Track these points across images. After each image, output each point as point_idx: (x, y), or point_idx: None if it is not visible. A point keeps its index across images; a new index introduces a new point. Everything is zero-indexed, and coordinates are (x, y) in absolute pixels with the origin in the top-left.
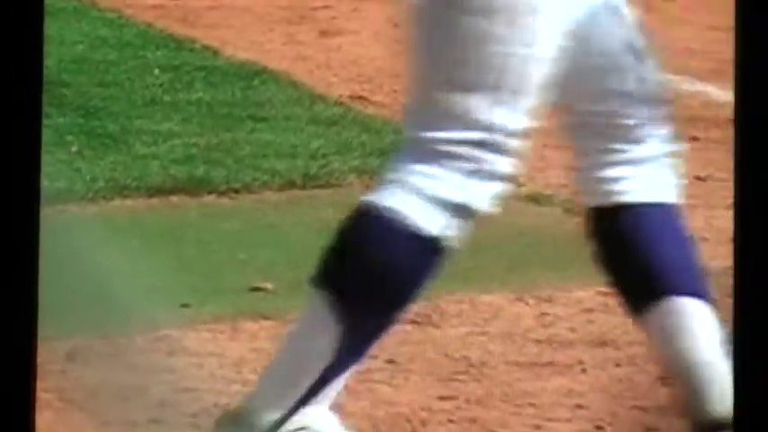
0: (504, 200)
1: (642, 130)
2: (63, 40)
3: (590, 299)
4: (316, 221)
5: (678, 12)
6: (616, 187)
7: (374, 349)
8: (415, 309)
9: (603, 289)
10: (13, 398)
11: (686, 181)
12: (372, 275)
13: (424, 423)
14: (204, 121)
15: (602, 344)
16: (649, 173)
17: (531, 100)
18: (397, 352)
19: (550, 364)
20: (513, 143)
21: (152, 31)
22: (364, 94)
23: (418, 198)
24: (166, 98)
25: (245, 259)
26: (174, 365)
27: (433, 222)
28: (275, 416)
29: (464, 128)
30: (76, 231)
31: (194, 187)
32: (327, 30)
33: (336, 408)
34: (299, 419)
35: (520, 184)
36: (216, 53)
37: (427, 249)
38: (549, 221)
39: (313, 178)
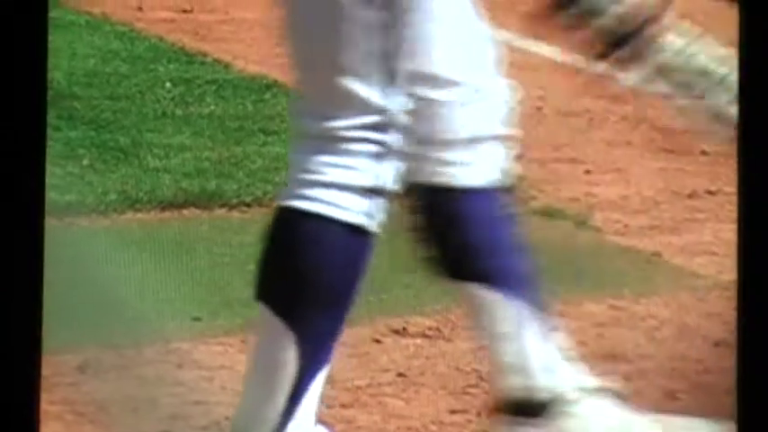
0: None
1: (471, 112)
2: (74, 54)
3: (601, 313)
4: None
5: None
6: (443, 169)
7: (385, 363)
8: (425, 322)
9: (615, 303)
10: (19, 411)
11: (696, 195)
12: (309, 276)
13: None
14: (215, 135)
15: (613, 357)
16: (478, 155)
17: (416, 76)
18: (408, 365)
19: None
20: (405, 119)
21: (163, 45)
22: None
23: (334, 190)
24: (178, 111)
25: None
26: (184, 378)
27: (354, 211)
28: None
29: (361, 113)
30: (87, 244)
31: (206, 201)
32: None
33: (347, 421)
34: None
35: (530, 198)
36: (227, 67)
37: (355, 239)
38: (559, 235)
39: None
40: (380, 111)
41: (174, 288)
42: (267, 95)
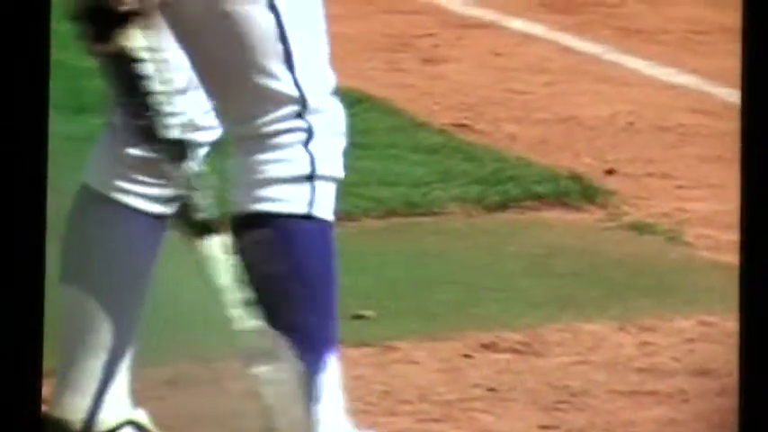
0: (607, 229)
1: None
2: None
3: (692, 328)
4: (417, 249)
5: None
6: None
7: (475, 378)
8: (515, 337)
9: (705, 318)
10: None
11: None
12: (289, 273)
13: None
14: None
15: (705, 373)
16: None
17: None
18: (499, 381)
19: (652, 393)
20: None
21: None
22: (466, 122)
23: (276, 185)
24: None
25: (346, 286)
26: None
27: (299, 202)
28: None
29: (280, 105)
30: (175, 256)
31: None
32: (430, 57)
33: None
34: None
35: (622, 213)
36: None
37: (309, 228)
38: (651, 250)
39: (415, 206)
40: (299, 99)
41: None
42: (358, 109)
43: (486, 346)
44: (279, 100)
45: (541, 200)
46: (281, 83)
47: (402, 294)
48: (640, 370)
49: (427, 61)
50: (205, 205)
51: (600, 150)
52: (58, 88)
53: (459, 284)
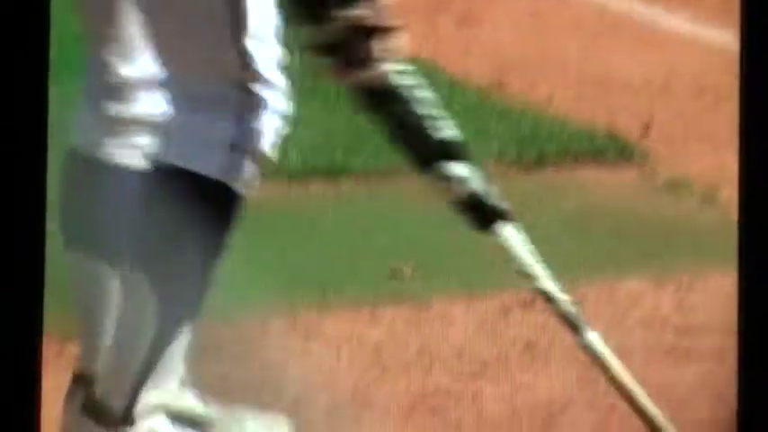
0: (643, 188)
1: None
2: None
3: (729, 285)
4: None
5: None
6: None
7: (513, 335)
8: None
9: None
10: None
11: None
12: (177, 233)
13: (563, 410)
14: (343, 108)
15: None
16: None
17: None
18: (536, 339)
19: (689, 351)
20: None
21: None
22: (502, 81)
23: (204, 147)
24: (306, 84)
25: (383, 246)
26: (311, 350)
27: (218, 167)
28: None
29: (224, 72)
30: None
31: (333, 174)
32: (466, 18)
33: (475, 393)
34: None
35: (658, 174)
36: None
37: (219, 195)
38: (687, 209)
39: None
40: (243, 68)
41: (300, 261)
42: None
43: (523, 304)
44: (218, 62)
45: (578, 159)
46: (226, 49)
47: (439, 253)
48: (677, 328)
49: (463, 22)
50: (491, 193)
51: (636, 110)
52: None
53: (496, 243)
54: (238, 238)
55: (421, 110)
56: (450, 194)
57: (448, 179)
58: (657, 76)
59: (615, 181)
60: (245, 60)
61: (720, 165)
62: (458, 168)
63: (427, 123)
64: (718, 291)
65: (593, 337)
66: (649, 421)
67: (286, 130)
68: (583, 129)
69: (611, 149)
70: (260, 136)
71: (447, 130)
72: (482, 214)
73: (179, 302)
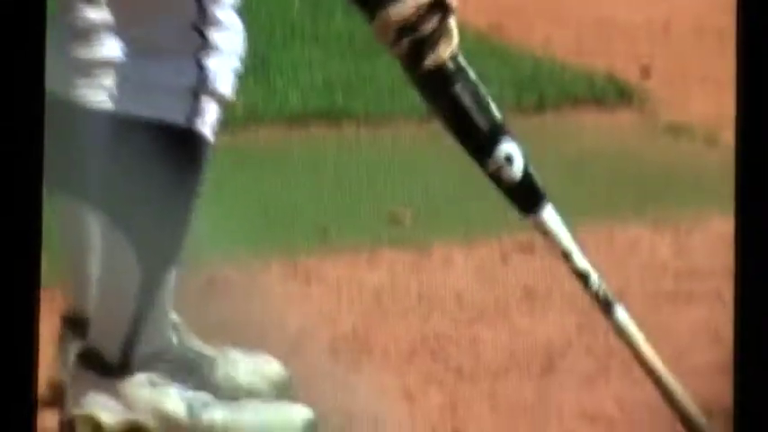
0: (643, 131)
1: None
2: None
3: (729, 229)
4: (454, 152)
5: None
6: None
7: (512, 280)
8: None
9: None
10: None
11: None
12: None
13: (562, 354)
14: (344, 51)
15: None
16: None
17: None
18: (535, 283)
19: (688, 295)
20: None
21: None
22: (501, 25)
23: (164, 93)
24: (307, 28)
25: (383, 190)
26: (311, 294)
27: (180, 112)
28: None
29: (178, 12)
30: (215, 159)
31: (333, 117)
32: None
33: (473, 339)
34: None
35: (660, 116)
36: None
37: (185, 141)
38: (687, 153)
39: None
40: (195, 9)
41: (300, 204)
42: None
43: (522, 249)
44: (174, 6)
45: (577, 102)
46: None
47: (438, 197)
48: (676, 271)
49: None
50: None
51: (636, 52)
52: None
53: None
54: (238, 181)
55: (478, 91)
56: (504, 177)
57: (503, 162)
58: (657, 18)
59: (615, 124)
60: (200, 4)
61: (722, 108)
62: (510, 149)
63: (483, 105)
64: (718, 234)
65: (624, 316)
66: (678, 407)
67: (241, 72)
68: (582, 72)
69: (611, 93)
70: (220, 78)
71: (495, 110)
72: (529, 196)
73: (157, 248)
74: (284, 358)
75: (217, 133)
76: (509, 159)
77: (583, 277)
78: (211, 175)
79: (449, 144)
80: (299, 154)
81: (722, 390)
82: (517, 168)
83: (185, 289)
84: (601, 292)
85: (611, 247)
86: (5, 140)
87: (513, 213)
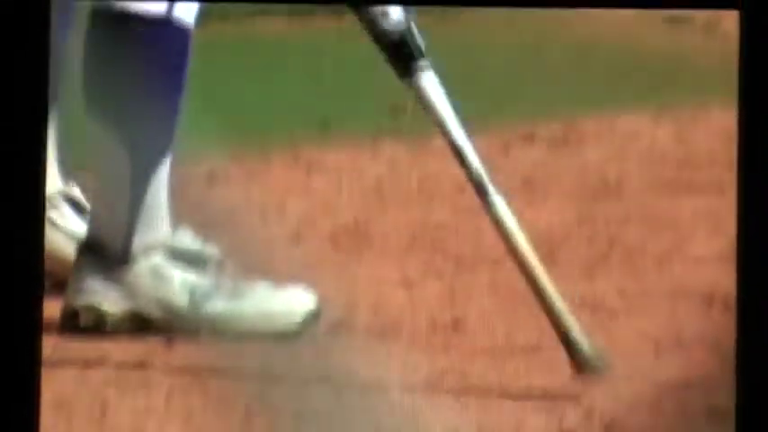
0: (644, 21)
1: None
2: None
3: (728, 119)
4: (456, 42)
5: None
6: None
7: (513, 169)
8: (553, 129)
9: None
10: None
11: None
12: (133, 80)
13: (561, 245)
14: None
15: None
16: None
17: None
18: (535, 173)
19: (689, 184)
20: None
21: None
22: None
23: None
24: None
25: (383, 78)
26: (312, 184)
27: (165, 4)
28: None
29: None
30: (217, 51)
31: (335, 7)
32: None
33: (474, 227)
34: None
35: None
36: None
37: (167, 33)
38: (688, 42)
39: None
40: None
41: (302, 95)
42: None
43: (523, 138)
44: None
45: None
46: None
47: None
48: (677, 161)
49: None
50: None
51: None
52: None
53: (498, 77)
54: (240, 73)
55: None
56: (379, 30)
57: (378, 14)
58: None
59: (616, 15)
60: None
61: None
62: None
63: None
64: (719, 124)
65: (498, 201)
66: (548, 304)
67: None
68: None
69: None
70: None
71: None
72: (407, 57)
73: (146, 138)
74: (284, 246)
75: (219, 26)
76: (385, 14)
77: (458, 154)
78: (214, 67)
79: (449, 34)
80: (301, 45)
81: (723, 278)
82: (394, 24)
83: (187, 181)
84: (474, 173)
85: (612, 136)
86: (6, 140)
87: (515, 103)
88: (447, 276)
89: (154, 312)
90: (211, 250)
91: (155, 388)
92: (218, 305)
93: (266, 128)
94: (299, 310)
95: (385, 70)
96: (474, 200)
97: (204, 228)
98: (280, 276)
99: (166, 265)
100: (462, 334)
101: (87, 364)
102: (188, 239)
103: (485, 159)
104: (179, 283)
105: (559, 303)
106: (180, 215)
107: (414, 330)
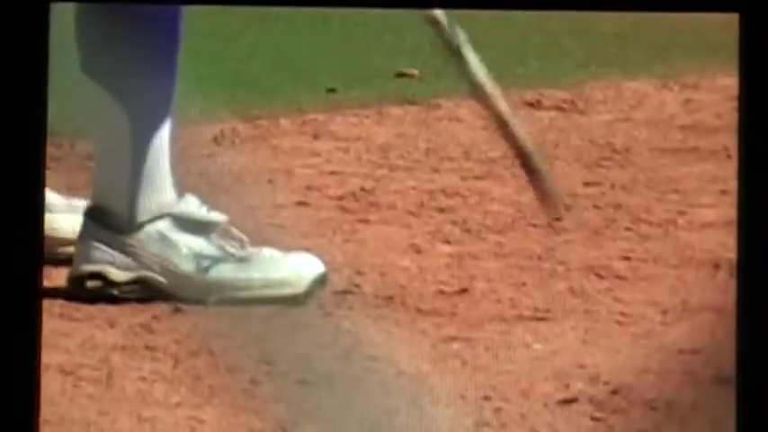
0: None
1: None
2: None
3: (735, 85)
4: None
5: None
6: None
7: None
8: (559, 95)
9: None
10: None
11: None
12: (130, 42)
13: (568, 209)
14: None
15: None
16: None
17: None
18: (543, 138)
19: (695, 150)
20: None
21: None
22: None
23: None
24: None
25: (391, 45)
26: (320, 149)
27: None
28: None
29: None
30: (221, 14)
31: None
32: None
33: (480, 193)
34: None
35: None
36: None
37: None
38: None
39: None
40: None
41: (309, 60)
42: None
43: (530, 104)
44: None
45: None
46: None
47: (446, 53)
48: (683, 127)
49: None
50: None
51: None
52: None
53: (504, 44)
54: (247, 38)
55: None
56: None
57: None
58: None
59: None
60: None
61: None
62: None
63: None
64: (724, 90)
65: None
66: (516, 142)
67: None
68: None
69: None
70: None
71: None
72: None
73: (144, 102)
74: (292, 209)
75: None
76: None
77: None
78: (221, 32)
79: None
80: (308, 9)
81: (727, 243)
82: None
83: (194, 141)
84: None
85: (619, 101)
86: (7, 140)
87: (521, 69)
88: (454, 242)
89: (160, 279)
90: (218, 217)
91: (161, 353)
92: (224, 271)
93: (273, 93)
94: (306, 276)
95: (392, 35)
96: (480, 165)
97: (211, 194)
98: (287, 241)
99: (172, 231)
100: (469, 300)
101: (94, 329)
102: (194, 206)
103: (491, 124)
104: (185, 249)
105: (529, 144)
106: (187, 180)
107: (420, 296)
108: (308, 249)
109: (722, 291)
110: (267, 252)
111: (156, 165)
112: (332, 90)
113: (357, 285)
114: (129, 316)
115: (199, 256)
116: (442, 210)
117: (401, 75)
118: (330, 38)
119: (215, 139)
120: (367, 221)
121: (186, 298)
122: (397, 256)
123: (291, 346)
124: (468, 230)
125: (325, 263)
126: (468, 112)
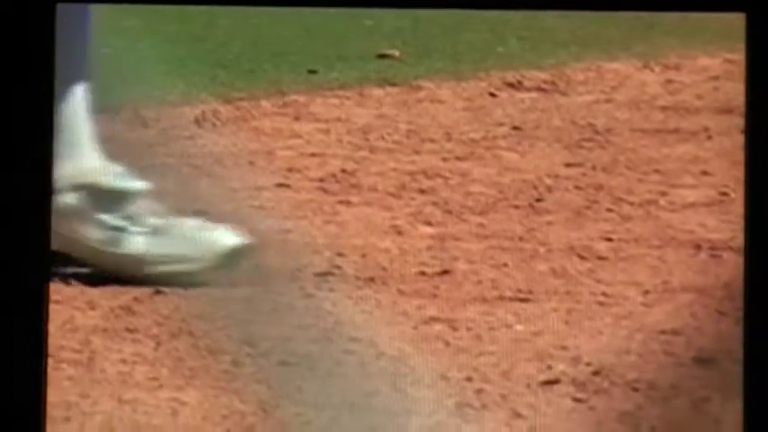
0: None
1: None
2: None
3: (716, 66)
4: None
5: None
6: None
7: (500, 116)
8: (540, 76)
9: (730, 57)
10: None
11: None
12: None
13: (549, 189)
14: None
15: (728, 111)
16: None
17: None
18: (523, 119)
19: (676, 130)
20: None
21: None
22: None
23: None
24: None
25: (371, 26)
26: (300, 131)
27: None
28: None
29: None
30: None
31: None
32: None
33: (462, 174)
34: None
35: None
36: None
37: None
38: None
39: None
40: None
41: (290, 41)
42: None
43: (511, 85)
44: None
45: None
46: None
47: (427, 34)
48: (664, 108)
49: None
50: None
51: None
52: None
53: (485, 24)
54: (226, 17)
55: None
56: None
57: None
58: None
59: None
60: None
61: None
62: None
63: None
64: (705, 70)
65: None
66: None
67: None
68: None
69: None
70: None
71: None
72: None
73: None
74: (273, 191)
75: None
76: None
77: None
78: (201, 14)
79: None
80: None
81: (708, 223)
82: None
83: (177, 123)
84: None
85: (600, 82)
86: (9, 139)
87: (502, 49)
88: (435, 224)
89: (72, 250)
90: (138, 185)
91: (142, 335)
92: (137, 242)
93: (254, 74)
94: (222, 248)
95: (372, 16)
96: (462, 146)
97: (191, 169)
98: (268, 223)
99: (86, 202)
100: (450, 281)
101: (74, 311)
102: (113, 176)
103: (472, 105)
104: (98, 221)
105: None
106: (168, 162)
107: (402, 278)
108: (288, 231)
109: (703, 271)
110: (188, 224)
111: (72, 131)
112: (313, 71)
113: (338, 267)
114: (109, 298)
115: (112, 229)
116: (423, 191)
117: (382, 56)
118: (311, 19)
119: (196, 121)
120: (348, 203)
121: (101, 270)
122: (378, 237)
123: (272, 327)
124: (449, 212)
125: (307, 244)
126: (450, 93)
